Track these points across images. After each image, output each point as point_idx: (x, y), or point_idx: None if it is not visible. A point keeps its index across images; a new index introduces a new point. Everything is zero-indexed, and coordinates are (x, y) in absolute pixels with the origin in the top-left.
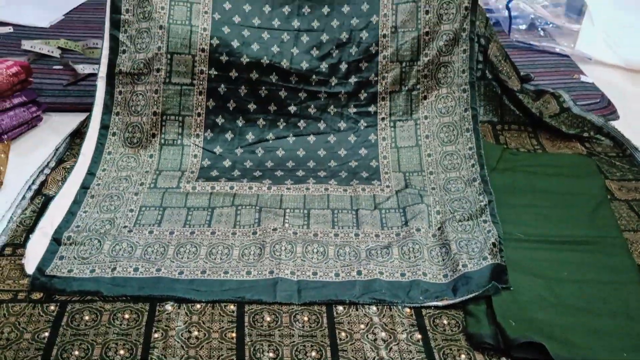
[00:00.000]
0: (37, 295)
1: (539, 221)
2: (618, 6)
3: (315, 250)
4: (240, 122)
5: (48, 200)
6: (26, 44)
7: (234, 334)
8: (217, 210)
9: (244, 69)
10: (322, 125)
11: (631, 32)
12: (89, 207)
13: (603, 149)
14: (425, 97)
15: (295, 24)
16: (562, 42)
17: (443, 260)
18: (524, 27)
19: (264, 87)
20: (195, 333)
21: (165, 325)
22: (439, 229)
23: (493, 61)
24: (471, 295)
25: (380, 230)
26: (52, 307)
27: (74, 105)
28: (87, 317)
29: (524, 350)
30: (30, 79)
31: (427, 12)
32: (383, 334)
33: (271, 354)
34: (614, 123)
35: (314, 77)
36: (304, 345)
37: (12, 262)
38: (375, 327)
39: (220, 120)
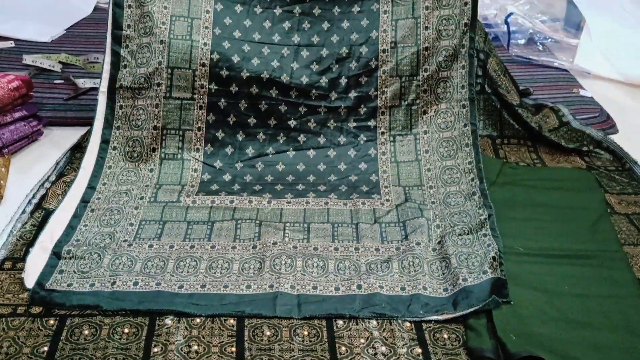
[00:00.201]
0: (36, 310)
1: (539, 235)
2: (615, 21)
3: (315, 264)
4: (240, 137)
5: (48, 214)
6: (27, 59)
7: (233, 348)
8: (217, 224)
9: (244, 84)
10: (322, 140)
11: (629, 46)
12: (89, 221)
13: (602, 163)
14: (424, 112)
15: (295, 39)
16: (561, 57)
17: (443, 274)
18: (522, 41)
19: (264, 102)
20: (195, 347)
21: (165, 340)
22: (439, 242)
23: (492, 76)
24: (471, 309)
25: (380, 244)
26: (52, 322)
27: (75, 119)
28: (86, 332)
29: None
30: (31, 93)
31: (426, 28)
32: (383, 349)
33: None
34: (613, 137)
35: (313, 91)
36: None
37: (12, 276)
38: (375, 342)
39: (220, 135)
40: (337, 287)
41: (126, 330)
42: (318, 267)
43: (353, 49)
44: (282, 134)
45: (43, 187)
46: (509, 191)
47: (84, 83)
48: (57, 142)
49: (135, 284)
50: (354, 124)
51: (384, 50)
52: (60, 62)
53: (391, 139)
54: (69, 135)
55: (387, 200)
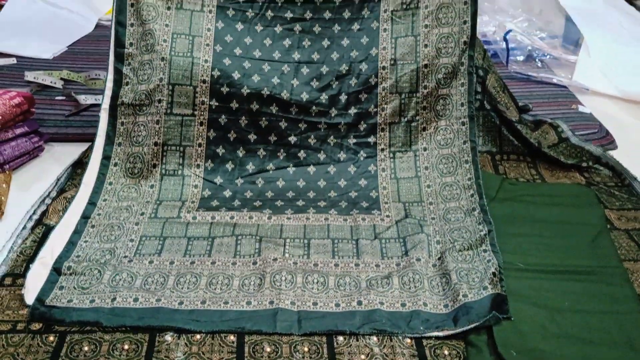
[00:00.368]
0: (36, 326)
1: (539, 251)
2: (613, 38)
3: (315, 280)
4: (240, 153)
5: (49, 230)
6: (29, 75)
7: None
8: (217, 240)
9: (245, 100)
10: (322, 156)
11: (627, 63)
12: (89, 237)
13: (602, 179)
14: (424, 129)
15: (296, 56)
16: (560, 73)
17: (443, 290)
18: (521, 58)
19: (264, 118)
20: None
21: (165, 356)
22: (439, 258)
23: (491, 92)
24: (472, 326)
25: (380, 260)
26: (52, 338)
27: (76, 136)
28: (86, 348)
29: None
30: (33, 110)
31: (425, 46)
32: None
33: None
34: (612, 153)
35: (314, 108)
36: None
37: (12, 292)
38: (375, 358)
39: (220, 151)
40: (337, 303)
41: (126, 347)
42: (318, 283)
43: (353, 66)
44: (282, 150)
45: (44, 203)
46: (509, 207)
47: (85, 99)
48: (58, 158)
49: (136, 300)
50: (354, 141)
51: (383, 68)
52: (61, 78)
53: (391, 155)
54: (70, 152)
55: (387, 216)
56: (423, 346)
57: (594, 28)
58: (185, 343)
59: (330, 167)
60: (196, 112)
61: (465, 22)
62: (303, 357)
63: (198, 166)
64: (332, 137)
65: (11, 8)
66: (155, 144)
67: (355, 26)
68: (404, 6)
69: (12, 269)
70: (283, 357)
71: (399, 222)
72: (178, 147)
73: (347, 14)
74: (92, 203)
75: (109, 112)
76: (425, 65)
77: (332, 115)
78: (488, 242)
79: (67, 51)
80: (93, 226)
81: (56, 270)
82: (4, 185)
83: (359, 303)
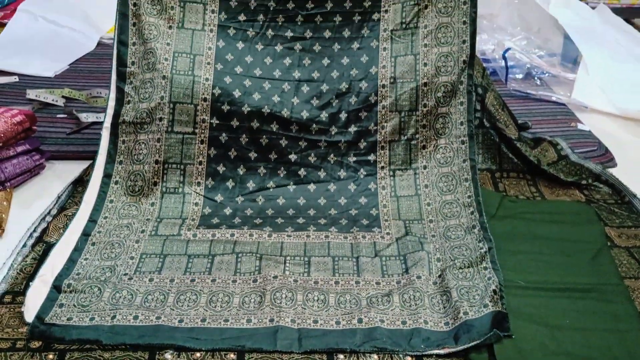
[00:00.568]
0: (35, 344)
1: (539, 268)
2: (611, 56)
3: (315, 298)
4: (241, 171)
5: (49, 247)
6: (31, 93)
7: None
8: (217, 257)
9: (245, 118)
10: (322, 174)
11: (625, 80)
12: (89, 255)
13: (602, 196)
14: (424, 147)
15: (296, 74)
16: (559, 91)
17: (444, 307)
18: (520, 76)
19: (264, 136)
20: None
21: None
22: (439, 276)
23: (490, 110)
24: (473, 344)
25: (380, 277)
26: (51, 356)
27: (77, 154)
28: None
29: None
30: (34, 127)
31: (425, 64)
32: None
33: None
34: (612, 170)
35: (314, 126)
36: None
37: (12, 310)
38: None
39: (221, 169)
40: (337, 321)
41: None
42: (319, 301)
43: (353, 84)
44: (282, 168)
45: (44, 220)
46: (509, 224)
47: (86, 117)
48: (59, 175)
49: (135, 318)
50: (354, 159)
51: (383, 86)
52: (63, 96)
53: (391, 173)
54: (71, 169)
55: (388, 233)
56: None
57: (592, 46)
58: None
59: (330, 185)
60: (197, 130)
61: (464, 42)
62: None
63: (199, 184)
64: (332, 155)
65: (13, 27)
66: (156, 162)
67: (355, 45)
68: (404, 25)
69: (12, 286)
70: None
71: (400, 240)
72: (179, 165)
73: (346, 33)
74: (92, 221)
75: (110, 131)
76: (425, 84)
77: (332, 133)
78: (488, 259)
79: (69, 69)
80: (93, 244)
81: (56, 288)
82: (4, 203)
83: (360, 321)
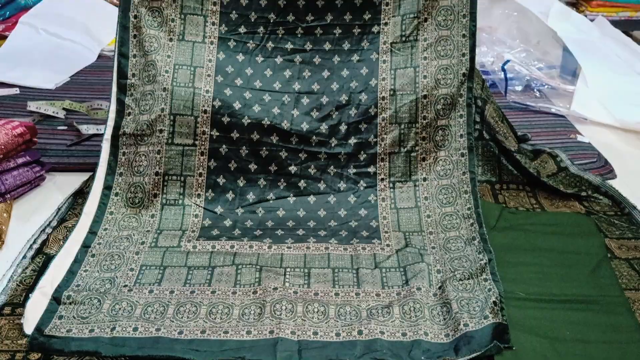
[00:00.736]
0: (35, 356)
1: (539, 280)
2: (610, 68)
3: (315, 310)
4: (241, 182)
5: (49, 259)
6: (32, 105)
7: None
8: (217, 269)
9: (245, 130)
10: (322, 186)
11: (624, 92)
12: (89, 266)
13: (601, 208)
14: (424, 159)
15: (296, 86)
16: (558, 103)
17: (444, 319)
18: (520, 88)
19: (264, 148)
20: None
21: None
22: (439, 288)
23: (490, 122)
24: (473, 355)
25: (380, 289)
26: None
27: (77, 165)
28: None
29: None
30: (35, 139)
31: (425, 77)
32: None
33: None
34: (611, 182)
35: (314, 138)
36: None
37: (11, 321)
38: None
39: (221, 181)
40: (337, 332)
41: None
42: (319, 313)
43: (352, 97)
44: (282, 180)
45: (44, 232)
46: (509, 236)
47: (87, 129)
48: (59, 187)
49: (135, 329)
50: (354, 170)
51: (383, 98)
52: (64, 108)
53: (391, 185)
54: (71, 181)
55: (388, 245)
56: None
57: (591, 58)
58: None
59: (330, 196)
60: (197, 142)
61: (464, 55)
62: None
63: (199, 196)
64: (332, 167)
65: (15, 39)
66: (156, 173)
67: (355, 57)
68: (403, 38)
69: (12, 298)
70: None
71: (400, 251)
72: (179, 177)
73: (346, 46)
74: (92, 232)
75: (110, 142)
76: (425, 96)
77: (332, 145)
78: (488, 271)
79: (70, 81)
80: (93, 255)
81: (55, 299)
82: (5, 215)
83: (360, 333)
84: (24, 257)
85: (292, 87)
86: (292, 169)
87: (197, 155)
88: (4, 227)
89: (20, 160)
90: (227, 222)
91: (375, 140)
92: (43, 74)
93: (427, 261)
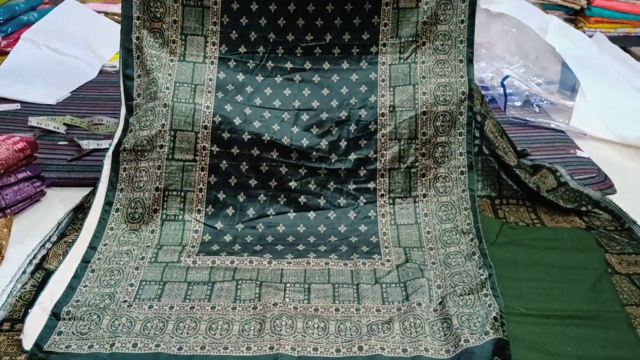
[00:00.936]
0: None
1: (540, 295)
2: (609, 83)
3: (315, 326)
4: (241, 198)
5: (48, 274)
6: (33, 121)
7: None
8: (217, 284)
9: (246, 146)
10: (322, 201)
11: (622, 108)
12: (89, 282)
13: (602, 223)
14: (423, 175)
15: (296, 103)
16: (557, 118)
17: (445, 335)
18: (519, 103)
19: (264, 163)
20: None
21: None
22: (440, 303)
23: (489, 137)
24: None
25: (381, 304)
26: None
27: (78, 180)
28: None
29: None
30: (36, 154)
31: (424, 94)
32: None
33: None
34: (611, 197)
35: (314, 153)
36: None
37: (10, 337)
38: None
39: (221, 196)
40: (338, 348)
41: None
42: (319, 329)
43: (352, 113)
44: (282, 195)
45: (44, 247)
46: (509, 251)
47: (87, 144)
48: (59, 202)
49: (135, 345)
50: (354, 186)
51: (382, 114)
52: (65, 124)
53: (391, 201)
54: (72, 196)
55: (388, 260)
56: None
57: (589, 74)
58: None
59: (330, 212)
60: (197, 158)
61: (462, 77)
62: None
63: (199, 211)
64: (332, 183)
65: (16, 55)
66: (157, 189)
67: (354, 76)
68: (402, 60)
69: (11, 313)
70: None
71: (400, 267)
72: (179, 192)
73: (345, 65)
74: (92, 247)
75: (112, 159)
76: (424, 112)
77: (332, 161)
78: (489, 286)
79: (71, 97)
80: (93, 271)
81: (55, 315)
82: (5, 230)
83: (360, 348)
84: (24, 272)
85: (291, 104)
86: (292, 184)
87: (198, 171)
88: (4, 242)
89: (20, 175)
90: (227, 238)
91: (375, 156)
92: (44, 90)
93: (427, 276)
